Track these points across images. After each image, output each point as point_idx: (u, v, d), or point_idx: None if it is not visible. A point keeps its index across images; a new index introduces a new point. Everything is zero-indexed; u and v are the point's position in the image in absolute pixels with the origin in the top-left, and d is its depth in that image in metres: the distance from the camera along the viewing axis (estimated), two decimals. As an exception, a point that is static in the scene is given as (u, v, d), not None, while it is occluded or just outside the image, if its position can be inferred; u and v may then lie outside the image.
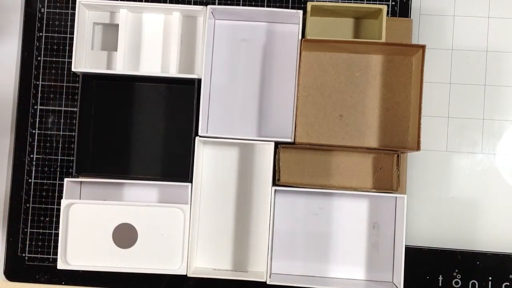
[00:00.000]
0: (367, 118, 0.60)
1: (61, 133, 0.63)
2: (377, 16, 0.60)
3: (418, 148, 0.56)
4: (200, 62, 0.60)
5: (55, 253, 0.62)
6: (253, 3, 0.63)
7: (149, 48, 0.63)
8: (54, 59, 0.64)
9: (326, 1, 0.62)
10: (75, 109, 0.63)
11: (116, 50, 0.62)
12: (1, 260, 0.63)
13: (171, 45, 0.61)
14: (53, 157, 0.63)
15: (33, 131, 0.63)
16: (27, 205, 0.63)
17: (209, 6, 0.59)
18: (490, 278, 0.61)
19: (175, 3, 0.63)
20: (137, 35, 0.63)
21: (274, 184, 0.59)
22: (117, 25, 0.62)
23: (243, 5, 0.63)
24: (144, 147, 0.61)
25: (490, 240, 0.62)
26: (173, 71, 0.60)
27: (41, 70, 0.64)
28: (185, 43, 0.62)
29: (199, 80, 0.59)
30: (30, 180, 0.63)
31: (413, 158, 0.62)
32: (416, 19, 0.63)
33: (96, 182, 0.62)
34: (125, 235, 0.59)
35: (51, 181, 0.63)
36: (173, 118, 0.62)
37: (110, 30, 0.64)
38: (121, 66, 0.61)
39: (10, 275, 0.63)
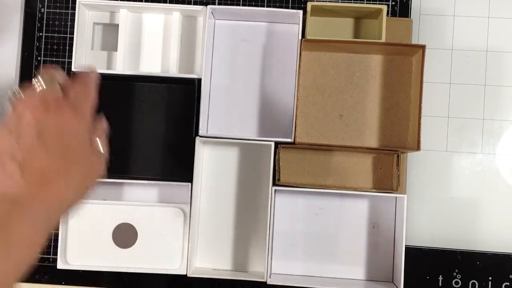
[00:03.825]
0: (367, 118, 0.60)
1: (61, 133, 0.63)
2: (377, 16, 0.60)
3: (418, 148, 0.56)
4: (200, 62, 0.60)
5: (55, 253, 0.62)
6: (253, 3, 0.63)
7: (149, 48, 0.63)
8: (54, 59, 0.64)
9: (326, 1, 0.62)
10: (75, 109, 0.63)
11: (116, 50, 0.62)
12: (1, 260, 0.63)
13: (171, 45, 0.61)
14: (53, 157, 0.63)
15: (33, 131, 0.63)
16: (27, 205, 0.63)
17: (209, 6, 0.59)
18: (490, 278, 0.61)
19: (175, 3, 0.63)
20: (137, 35, 0.63)
21: (274, 184, 0.59)
22: (117, 25, 0.62)
23: (243, 5, 0.63)
24: (144, 147, 0.61)
25: (490, 240, 0.62)
26: (173, 71, 0.60)
27: (41, 70, 0.63)
28: (185, 43, 0.62)
29: (199, 80, 0.59)
30: (30, 180, 0.63)
31: (413, 158, 0.62)
32: (416, 19, 0.63)
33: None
34: (125, 235, 0.59)
35: (51, 181, 0.63)
36: (173, 118, 0.61)
37: (110, 30, 0.64)
38: (121, 66, 0.61)
39: (10, 275, 0.63)
